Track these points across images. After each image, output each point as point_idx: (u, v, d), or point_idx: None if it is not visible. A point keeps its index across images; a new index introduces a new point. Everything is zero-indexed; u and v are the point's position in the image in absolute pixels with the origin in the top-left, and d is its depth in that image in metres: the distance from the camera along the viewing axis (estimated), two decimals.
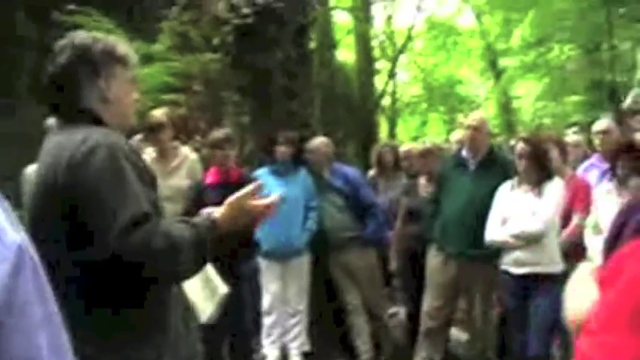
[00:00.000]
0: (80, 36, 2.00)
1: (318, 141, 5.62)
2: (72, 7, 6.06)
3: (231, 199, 2.00)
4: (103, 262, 1.73)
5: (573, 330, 1.30)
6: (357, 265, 5.42)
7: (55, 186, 1.82)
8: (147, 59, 7.14)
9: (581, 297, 1.32)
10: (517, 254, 4.19)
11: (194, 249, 1.82)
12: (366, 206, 5.42)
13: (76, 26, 6.00)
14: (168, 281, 1.94)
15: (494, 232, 4.27)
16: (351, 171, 5.72)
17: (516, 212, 4.21)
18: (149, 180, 1.91)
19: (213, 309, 2.42)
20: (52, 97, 2.00)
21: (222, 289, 2.50)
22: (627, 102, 5.83)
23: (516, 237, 4.15)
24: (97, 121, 1.95)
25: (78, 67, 1.95)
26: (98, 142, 1.81)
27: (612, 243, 1.42)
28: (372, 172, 6.94)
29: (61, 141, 1.89)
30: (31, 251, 0.95)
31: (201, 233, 1.86)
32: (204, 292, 2.38)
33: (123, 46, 2.06)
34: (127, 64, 2.04)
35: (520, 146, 4.29)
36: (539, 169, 4.23)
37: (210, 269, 2.47)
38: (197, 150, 5.91)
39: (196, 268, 1.88)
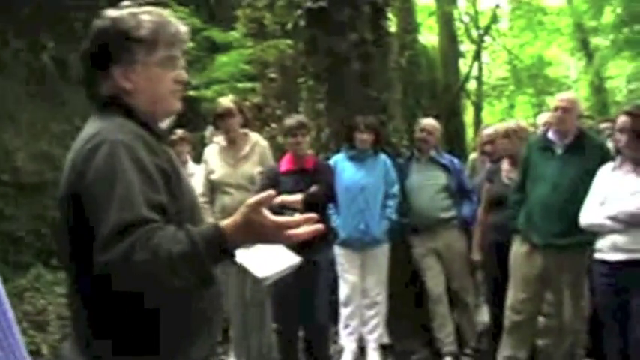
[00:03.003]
0: (101, 19, 1.80)
1: (432, 122, 5.61)
2: None
3: (242, 208, 1.59)
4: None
5: None
6: (451, 246, 5.32)
7: (63, 187, 1.70)
8: (223, 47, 7.19)
9: None
10: (614, 238, 3.82)
11: (187, 264, 1.52)
12: (465, 191, 5.45)
13: None
14: (154, 299, 1.65)
15: (591, 215, 3.94)
16: (452, 157, 5.70)
17: (615, 194, 3.85)
18: (163, 181, 1.68)
19: (277, 272, 2.19)
20: (83, 87, 1.85)
21: (295, 258, 2.32)
22: None
23: (613, 219, 3.77)
24: (129, 111, 1.76)
25: (91, 56, 1.78)
26: (103, 139, 1.62)
27: None
28: (473, 155, 6.89)
29: (82, 133, 1.74)
30: None
31: (199, 246, 1.53)
32: (271, 260, 2.19)
33: (150, 23, 1.77)
34: (155, 44, 1.78)
35: (621, 119, 3.91)
36: None
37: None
38: (272, 137, 5.85)
39: (193, 283, 1.58)
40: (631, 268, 3.76)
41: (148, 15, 1.79)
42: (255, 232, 1.59)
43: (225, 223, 1.59)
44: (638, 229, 3.73)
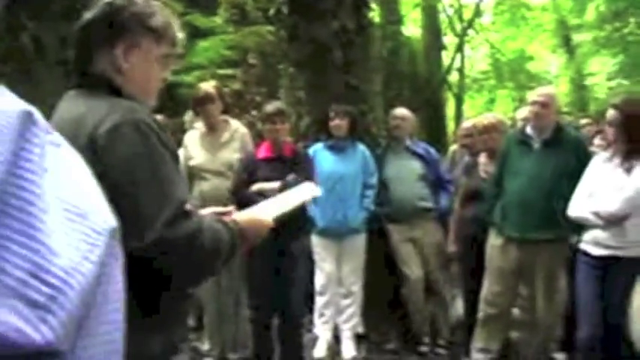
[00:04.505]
0: None
1: (405, 110, 5.60)
2: None
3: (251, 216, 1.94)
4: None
5: None
6: (427, 237, 5.34)
7: None
8: (205, 32, 7.13)
9: None
10: (595, 233, 3.88)
11: (229, 252, 1.71)
12: (442, 181, 5.46)
13: None
14: (195, 281, 1.80)
15: (578, 206, 3.96)
16: (429, 146, 5.69)
17: (603, 187, 3.87)
18: (175, 163, 1.72)
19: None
20: (71, 56, 1.80)
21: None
22: None
23: (596, 214, 3.82)
24: (116, 92, 1.70)
25: (97, 28, 1.72)
26: (123, 119, 1.56)
27: None
28: (454, 147, 6.88)
29: (80, 112, 1.64)
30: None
31: (235, 237, 1.74)
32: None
33: (162, 17, 1.78)
34: (162, 38, 1.78)
35: (610, 113, 3.92)
36: (629, 140, 3.84)
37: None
38: (252, 124, 5.81)
39: (220, 270, 1.83)
40: (610, 263, 3.81)
41: (160, 9, 1.80)
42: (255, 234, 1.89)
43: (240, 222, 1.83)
44: (619, 227, 3.77)
